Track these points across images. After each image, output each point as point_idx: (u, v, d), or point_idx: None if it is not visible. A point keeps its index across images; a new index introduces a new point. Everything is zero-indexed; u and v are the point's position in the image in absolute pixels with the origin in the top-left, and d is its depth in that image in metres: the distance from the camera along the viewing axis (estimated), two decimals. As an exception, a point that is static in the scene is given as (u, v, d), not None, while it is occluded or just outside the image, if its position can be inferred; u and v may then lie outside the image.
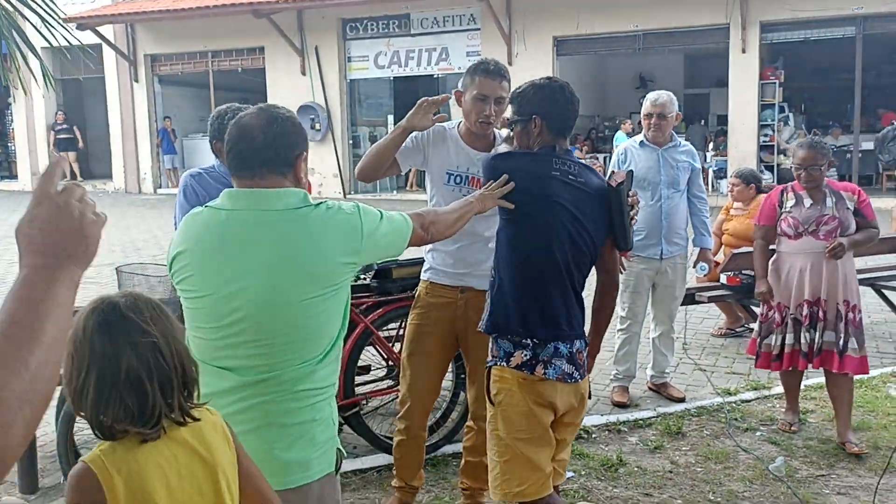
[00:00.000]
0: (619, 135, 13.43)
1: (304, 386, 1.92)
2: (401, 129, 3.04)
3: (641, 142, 4.71)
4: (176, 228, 3.04)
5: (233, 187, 3.12)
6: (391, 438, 4.08)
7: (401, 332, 4.17)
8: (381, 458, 4.02)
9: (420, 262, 4.26)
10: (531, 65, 14.79)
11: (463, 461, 3.39)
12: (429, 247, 3.24)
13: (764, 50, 14.66)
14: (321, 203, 1.98)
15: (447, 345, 3.28)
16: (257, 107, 2.07)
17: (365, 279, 4.16)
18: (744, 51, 14.23)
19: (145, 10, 17.20)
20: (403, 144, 3.12)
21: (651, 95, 4.71)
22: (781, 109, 15.14)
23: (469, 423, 3.35)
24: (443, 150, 3.15)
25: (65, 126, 19.36)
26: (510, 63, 15.62)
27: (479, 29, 16.00)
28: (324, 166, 17.16)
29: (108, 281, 3.91)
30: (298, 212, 1.93)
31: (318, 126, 17.07)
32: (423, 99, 3.03)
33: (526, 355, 2.58)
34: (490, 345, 2.70)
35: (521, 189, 2.61)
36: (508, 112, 2.87)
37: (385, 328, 4.17)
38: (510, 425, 2.60)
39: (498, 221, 3.15)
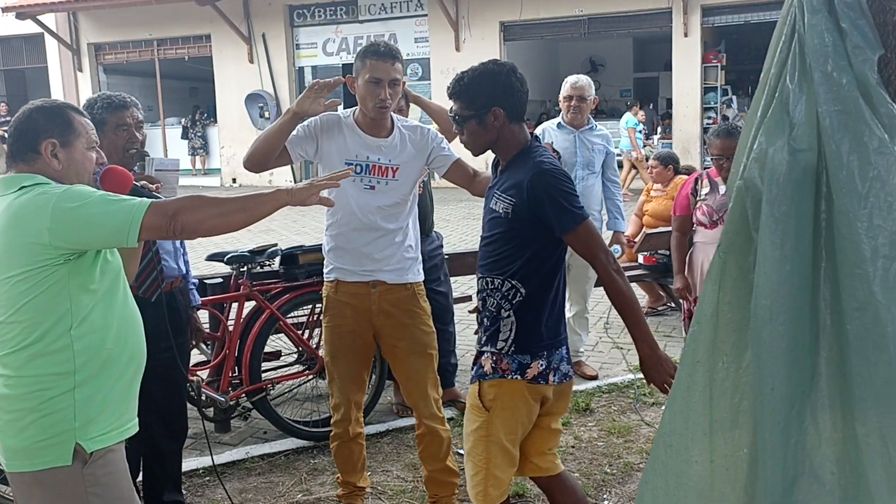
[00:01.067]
0: (629, 117, 13.21)
1: (22, 374, 1.93)
2: (290, 113, 2.90)
3: (559, 123, 4.83)
4: None
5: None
6: (299, 423, 4.13)
7: (311, 318, 4.20)
8: (289, 443, 4.05)
9: (328, 247, 4.31)
10: (479, 51, 14.80)
11: (425, 473, 3.22)
12: (328, 244, 3.10)
13: (706, 33, 14.83)
14: (36, 185, 1.98)
15: (367, 340, 3.15)
16: (33, 100, 2.14)
17: (271, 265, 4.18)
18: (686, 34, 14.39)
19: (87, -3, 16.88)
20: (293, 133, 2.97)
21: (570, 79, 4.83)
22: (725, 92, 15.35)
23: (419, 430, 3.17)
24: (339, 138, 2.99)
25: (8, 118, 18.94)
26: (458, 49, 15.64)
27: (426, 15, 15.98)
28: (274, 155, 17.07)
29: None
30: (15, 194, 1.98)
31: (267, 114, 16.93)
32: (314, 81, 2.91)
33: (542, 365, 2.44)
34: (490, 359, 2.48)
35: None
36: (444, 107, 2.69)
37: (293, 314, 4.19)
38: (509, 429, 2.47)
39: (407, 213, 3.04)
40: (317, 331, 4.20)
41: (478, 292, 2.60)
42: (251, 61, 17.00)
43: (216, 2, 16.10)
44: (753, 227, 1.41)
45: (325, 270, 3.16)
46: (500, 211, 2.45)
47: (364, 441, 3.30)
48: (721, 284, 1.47)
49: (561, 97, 4.84)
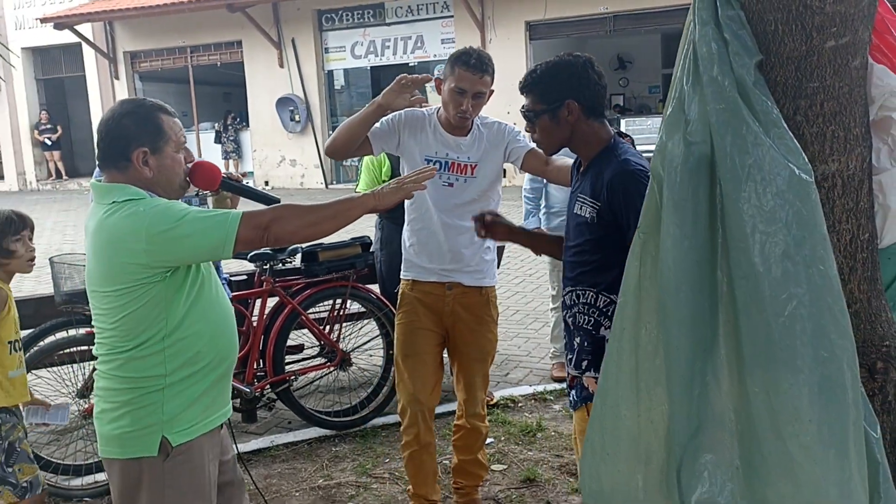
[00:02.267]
0: None
1: (117, 373, 2.06)
2: (375, 104, 2.86)
3: None
4: None
5: (90, 181, 3.27)
6: (322, 413, 4.31)
7: (332, 313, 4.38)
8: (312, 432, 4.23)
9: (348, 244, 4.48)
10: (504, 50, 14.95)
11: (455, 460, 3.26)
12: (408, 241, 3.07)
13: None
14: (127, 201, 2.00)
15: (440, 341, 3.11)
16: (118, 101, 2.19)
17: (293, 262, 4.36)
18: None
19: (123, 7, 17.31)
20: (377, 125, 2.95)
21: None
22: (753, 86, 15.26)
23: (459, 421, 3.20)
24: (421, 136, 2.99)
25: (49, 126, 19.52)
26: (484, 49, 15.77)
27: (452, 16, 16.12)
28: (304, 157, 17.34)
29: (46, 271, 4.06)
30: (107, 207, 2.02)
31: (297, 118, 17.22)
32: (402, 75, 2.87)
33: None
34: (589, 381, 2.28)
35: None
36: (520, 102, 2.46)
37: (315, 309, 4.37)
38: None
39: (492, 207, 2.91)
40: (336, 325, 4.38)
41: (565, 308, 2.39)
42: (281, 66, 17.29)
43: (247, 8, 16.42)
44: (661, 210, 1.57)
45: (403, 267, 3.13)
46: (586, 216, 2.27)
47: (435, 452, 3.20)
48: (641, 260, 1.63)
49: None
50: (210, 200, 2.49)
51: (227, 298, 2.25)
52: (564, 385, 4.73)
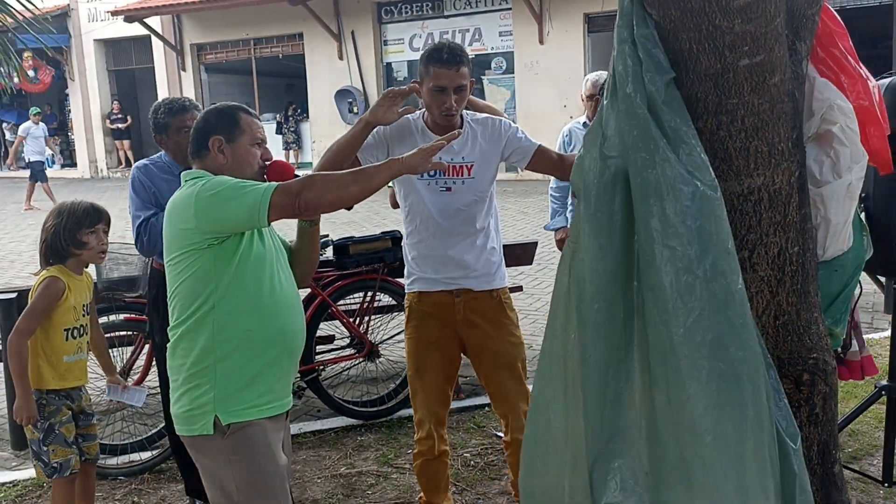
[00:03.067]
0: None
1: (176, 347, 2.21)
2: (363, 122, 2.76)
3: (584, 123, 4.80)
4: (132, 221, 3.33)
5: (173, 176, 3.41)
6: (350, 402, 4.41)
7: (363, 305, 4.47)
8: (339, 421, 4.34)
9: (379, 237, 4.56)
10: (562, 43, 14.85)
11: (512, 478, 3.10)
12: (410, 254, 2.98)
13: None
14: (195, 178, 2.23)
15: (452, 352, 3.03)
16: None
17: (323, 254, 4.46)
18: (777, 22, 13.94)
19: (191, 0, 17.78)
20: (365, 141, 2.82)
21: (591, 76, 4.75)
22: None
23: (506, 438, 3.03)
24: (409, 141, 2.85)
25: (120, 115, 20.22)
26: (541, 42, 15.69)
27: (510, 9, 16.07)
28: (361, 148, 17.58)
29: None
30: (182, 186, 2.27)
31: (355, 109, 17.43)
32: (388, 90, 2.79)
33: None
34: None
35: None
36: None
37: (347, 302, 4.47)
38: None
39: (487, 213, 2.85)
40: (366, 317, 4.47)
41: None
42: (341, 58, 17.52)
43: (308, 1, 16.67)
44: (580, 223, 1.60)
45: (406, 281, 3.04)
46: None
47: (448, 459, 3.12)
48: (571, 269, 1.65)
49: (583, 95, 4.75)
50: None
51: (294, 288, 2.35)
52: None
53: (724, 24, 1.53)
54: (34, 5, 4.95)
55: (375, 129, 2.87)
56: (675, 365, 1.50)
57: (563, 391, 1.59)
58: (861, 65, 1.75)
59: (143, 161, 3.40)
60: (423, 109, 2.95)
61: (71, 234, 2.99)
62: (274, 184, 2.14)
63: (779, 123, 1.61)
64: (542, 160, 2.96)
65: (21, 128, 16.22)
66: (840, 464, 1.75)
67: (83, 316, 3.10)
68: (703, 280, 1.50)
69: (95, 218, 3.06)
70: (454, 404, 4.42)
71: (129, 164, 20.62)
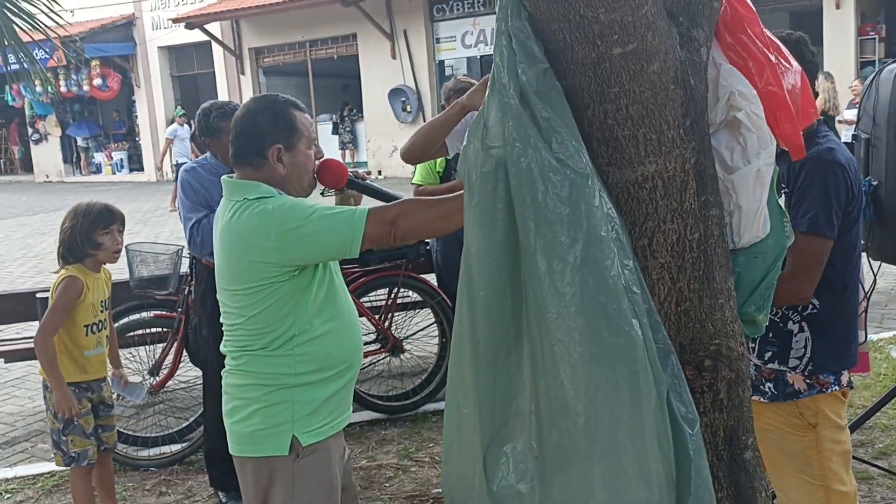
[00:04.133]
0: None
1: (246, 368, 2.08)
2: (459, 106, 2.75)
3: None
4: (182, 223, 3.46)
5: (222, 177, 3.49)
6: (374, 397, 4.47)
7: (388, 301, 4.53)
8: (365, 415, 4.41)
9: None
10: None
11: None
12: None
13: (863, 4, 13.83)
14: (258, 199, 2.00)
15: None
16: (252, 97, 2.17)
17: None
18: (838, 6, 13.51)
19: (247, 5, 18.21)
20: (455, 127, 2.85)
21: None
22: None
23: None
24: None
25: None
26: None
27: (561, 2, 15.95)
28: (415, 147, 17.70)
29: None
30: (237, 205, 2.01)
31: (409, 108, 17.58)
32: (488, 76, 2.95)
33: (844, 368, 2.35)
34: (794, 377, 2.33)
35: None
36: None
37: (368, 298, 4.54)
38: (838, 439, 2.35)
39: None
40: (390, 313, 4.53)
41: None
42: (394, 57, 17.69)
43: (360, 2, 16.88)
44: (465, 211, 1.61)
45: None
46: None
47: None
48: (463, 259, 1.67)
49: None
50: (335, 199, 2.46)
51: (349, 296, 2.25)
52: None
53: (589, 13, 1.54)
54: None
55: (468, 116, 2.92)
56: (550, 350, 1.52)
57: (471, 378, 1.62)
58: (774, 50, 1.72)
59: (191, 164, 3.53)
60: None
61: (87, 235, 3.13)
62: (364, 210, 1.98)
63: (665, 111, 1.59)
64: None
65: (168, 130, 16.42)
66: (753, 450, 1.74)
67: (101, 311, 3.23)
68: (573, 266, 1.51)
69: (109, 219, 3.19)
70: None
71: (192, 167, 21.30)
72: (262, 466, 2.07)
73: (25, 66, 4.48)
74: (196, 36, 19.23)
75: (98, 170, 23.13)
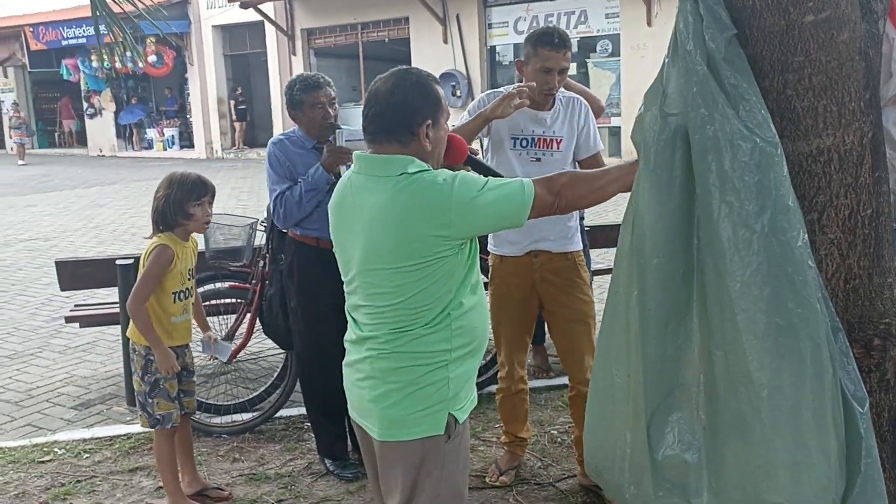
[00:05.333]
0: None
1: (403, 349, 2.00)
2: (482, 118, 2.99)
3: None
4: (269, 195, 3.52)
5: (306, 150, 3.49)
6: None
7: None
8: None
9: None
10: (671, 26, 14.07)
11: (576, 434, 3.31)
12: None
13: None
14: (420, 172, 1.95)
15: (530, 307, 3.31)
16: (390, 71, 2.06)
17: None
18: None
19: (301, -14, 18.29)
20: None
21: None
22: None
23: (572, 393, 3.33)
24: (510, 119, 3.06)
25: (242, 98, 21.19)
26: (649, 24, 15.30)
27: (617, -10, 15.76)
28: (464, 132, 17.67)
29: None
30: (396, 179, 1.94)
31: (458, 93, 17.52)
32: (510, 93, 2.97)
33: None
34: None
35: None
36: None
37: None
38: None
39: None
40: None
41: None
42: (445, 41, 17.64)
43: (414, -15, 16.85)
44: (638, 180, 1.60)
45: (492, 242, 3.29)
46: None
47: (527, 396, 3.49)
48: (633, 226, 1.66)
49: None
50: None
51: None
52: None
53: None
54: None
55: (477, 102, 3.19)
56: (731, 319, 1.51)
57: (625, 348, 1.62)
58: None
59: (278, 136, 3.57)
60: (516, 84, 3.17)
61: (180, 205, 3.20)
62: (529, 181, 2.00)
63: (849, 82, 1.57)
64: (591, 164, 3.22)
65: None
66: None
67: (189, 280, 3.31)
68: (761, 235, 1.50)
69: (202, 191, 3.25)
70: (543, 382, 4.53)
71: (243, 146, 21.53)
72: (413, 450, 2.01)
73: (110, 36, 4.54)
74: (250, 16, 19.35)
75: (150, 145, 23.49)
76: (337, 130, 3.36)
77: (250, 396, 4.29)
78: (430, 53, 17.85)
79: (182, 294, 3.28)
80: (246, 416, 4.16)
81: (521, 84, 3.04)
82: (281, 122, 20.36)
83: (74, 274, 4.47)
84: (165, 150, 22.94)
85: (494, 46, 17.69)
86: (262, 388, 4.29)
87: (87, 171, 18.85)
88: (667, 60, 1.61)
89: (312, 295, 3.49)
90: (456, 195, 1.90)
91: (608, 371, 1.69)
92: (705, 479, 1.53)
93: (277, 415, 4.20)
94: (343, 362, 2.19)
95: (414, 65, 18.28)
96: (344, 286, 2.16)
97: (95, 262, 4.49)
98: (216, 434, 4.07)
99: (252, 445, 3.97)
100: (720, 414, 1.56)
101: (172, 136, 23.20)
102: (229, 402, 4.24)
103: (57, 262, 4.52)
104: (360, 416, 2.12)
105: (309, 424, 4.17)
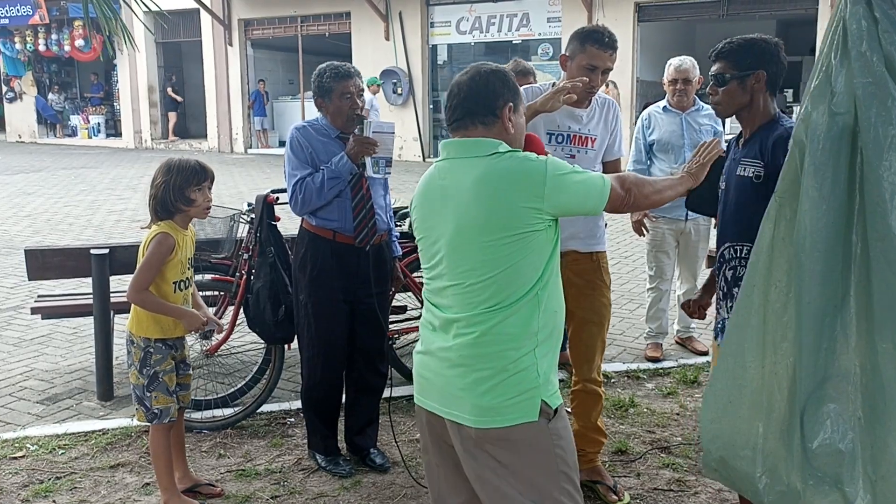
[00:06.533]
0: None
1: (491, 332, 1.99)
2: (532, 111, 2.91)
3: (664, 107, 4.87)
4: (286, 180, 3.43)
5: (329, 139, 3.33)
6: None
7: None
8: (411, 389, 4.42)
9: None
10: (614, 30, 14.73)
11: (575, 428, 3.27)
12: None
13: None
14: (511, 152, 2.04)
15: None
16: (471, 65, 2.17)
17: (401, 226, 4.55)
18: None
19: (240, -24, 17.92)
20: None
21: (674, 61, 4.84)
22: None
23: (576, 387, 3.31)
24: (551, 114, 3.07)
25: (175, 88, 20.61)
26: (590, 29, 15.60)
27: (560, -5, 16.02)
28: (404, 130, 17.58)
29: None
30: (489, 158, 2.02)
31: (399, 91, 17.50)
32: (562, 87, 2.96)
33: None
34: None
35: None
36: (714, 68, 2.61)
37: (419, 273, 4.55)
38: None
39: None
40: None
41: (723, 262, 2.59)
42: (387, 38, 17.58)
43: (357, -20, 16.74)
44: (802, 176, 1.66)
45: None
46: (750, 174, 2.49)
47: None
48: (776, 223, 1.74)
49: (665, 80, 4.86)
50: None
51: None
52: (657, 365, 4.82)
53: None
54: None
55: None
56: None
57: (761, 341, 1.66)
58: None
59: (302, 123, 3.53)
60: (554, 80, 3.22)
61: (180, 191, 3.10)
62: (607, 176, 2.10)
63: None
64: (612, 168, 3.29)
65: (366, 100, 16.11)
66: None
67: (188, 269, 3.21)
68: None
69: (202, 175, 3.17)
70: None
71: (173, 136, 20.92)
72: (512, 436, 1.99)
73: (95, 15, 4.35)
74: (184, 2, 18.85)
75: (73, 133, 22.60)
76: (365, 121, 3.33)
77: (231, 391, 4.19)
78: (371, 50, 17.75)
79: (182, 283, 3.18)
80: (227, 412, 4.06)
81: (573, 80, 2.97)
82: (215, 113, 19.91)
83: (43, 263, 4.26)
84: (90, 137, 22.12)
85: (436, 45, 17.72)
86: (243, 383, 4.20)
87: (8, 157, 17.98)
88: (833, 62, 1.66)
89: (325, 288, 3.42)
90: (550, 170, 1.99)
91: (741, 362, 1.73)
92: (860, 468, 1.58)
93: (258, 410, 4.13)
94: (417, 350, 2.20)
95: (354, 62, 18.17)
96: (425, 274, 2.17)
97: (67, 252, 4.28)
98: (197, 430, 3.96)
99: (236, 441, 3.87)
100: (882, 404, 1.59)
101: (98, 123, 22.38)
102: (209, 398, 4.13)
103: (26, 251, 4.30)
104: (444, 405, 2.08)
105: (292, 420, 4.11)
